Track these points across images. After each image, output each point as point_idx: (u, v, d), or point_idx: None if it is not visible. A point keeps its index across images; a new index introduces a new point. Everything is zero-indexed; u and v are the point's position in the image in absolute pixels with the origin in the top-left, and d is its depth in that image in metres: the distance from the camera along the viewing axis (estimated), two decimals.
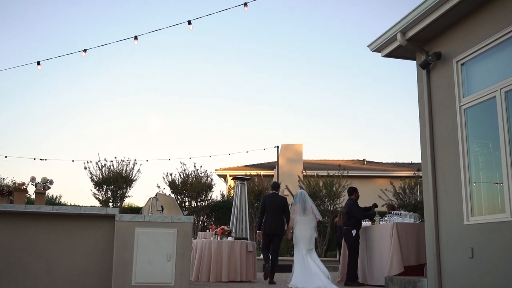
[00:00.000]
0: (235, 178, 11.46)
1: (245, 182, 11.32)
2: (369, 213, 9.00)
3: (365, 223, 9.04)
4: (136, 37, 6.90)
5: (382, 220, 8.93)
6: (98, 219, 6.09)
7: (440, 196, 6.85)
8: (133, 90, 33.47)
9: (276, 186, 9.47)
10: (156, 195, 6.80)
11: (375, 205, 9.35)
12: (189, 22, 6.67)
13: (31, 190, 6.41)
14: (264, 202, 9.01)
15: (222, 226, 9.57)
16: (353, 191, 9.02)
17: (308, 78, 35.93)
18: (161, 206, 6.58)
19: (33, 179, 6.36)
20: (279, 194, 9.54)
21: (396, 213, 8.77)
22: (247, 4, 6.29)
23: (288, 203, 9.03)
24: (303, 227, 8.42)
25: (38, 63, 6.87)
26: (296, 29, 32.25)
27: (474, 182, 6.35)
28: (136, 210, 19.85)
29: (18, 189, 6.26)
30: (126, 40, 6.61)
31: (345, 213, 8.83)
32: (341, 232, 9.57)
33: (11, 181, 6.78)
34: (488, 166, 6.43)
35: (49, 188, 6.48)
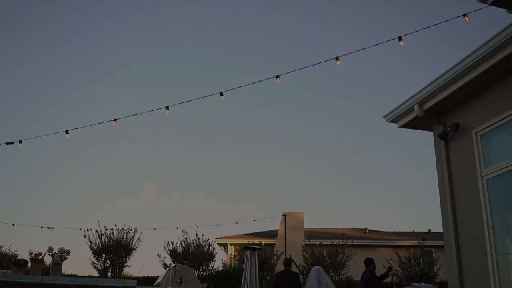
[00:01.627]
0: (245, 247, 11.23)
1: (256, 252, 11.07)
2: (383, 274, 8.99)
3: None
4: (167, 107, 7.00)
5: None
6: None
7: (464, 268, 6.70)
8: (138, 159, 33.63)
9: (288, 262, 9.51)
10: (175, 266, 6.60)
11: (389, 269, 9.30)
12: (221, 93, 6.79)
13: (47, 259, 6.23)
14: (277, 279, 9.07)
15: None
16: (371, 263, 8.86)
17: (307, 145, 36.30)
18: (180, 278, 6.38)
19: (50, 249, 6.21)
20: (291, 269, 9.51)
21: (415, 285, 8.54)
22: (279, 76, 6.46)
23: (299, 279, 9.11)
24: None
25: (67, 132, 6.88)
26: (301, 101, 33.00)
27: (506, 253, 6.23)
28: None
29: (35, 260, 6.08)
30: (157, 110, 6.73)
31: (364, 285, 8.61)
32: None
33: (28, 252, 6.56)
34: None
35: (65, 258, 6.30)
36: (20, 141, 7.17)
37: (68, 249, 6.43)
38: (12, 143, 7.05)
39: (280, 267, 17.81)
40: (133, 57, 28.63)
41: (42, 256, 6.22)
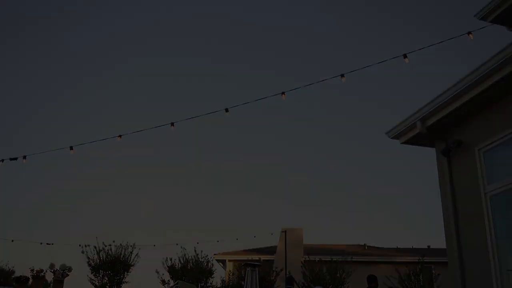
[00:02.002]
0: (246, 264, 11.14)
1: (256, 269, 10.99)
2: None
3: None
4: (172, 124, 7.01)
5: None
6: None
7: (467, 286, 6.66)
8: (138, 174, 33.57)
9: (291, 280, 9.35)
10: (177, 282, 6.54)
11: None
12: (227, 110, 6.81)
13: (49, 276, 6.16)
14: None
15: None
16: (373, 279, 8.81)
17: (307, 161, 36.31)
18: None
19: (52, 265, 6.15)
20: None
21: None
22: (284, 93, 6.51)
23: None
24: None
25: (71, 147, 6.87)
26: (302, 117, 33.12)
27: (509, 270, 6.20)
28: None
29: (36, 277, 6.02)
30: (163, 127, 6.73)
31: None
32: None
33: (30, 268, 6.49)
34: None
35: (67, 275, 6.25)
36: (24, 157, 7.16)
37: (70, 266, 6.38)
38: (16, 159, 7.04)
39: (279, 283, 17.66)
40: (137, 68, 28.80)
41: (44, 273, 6.15)
